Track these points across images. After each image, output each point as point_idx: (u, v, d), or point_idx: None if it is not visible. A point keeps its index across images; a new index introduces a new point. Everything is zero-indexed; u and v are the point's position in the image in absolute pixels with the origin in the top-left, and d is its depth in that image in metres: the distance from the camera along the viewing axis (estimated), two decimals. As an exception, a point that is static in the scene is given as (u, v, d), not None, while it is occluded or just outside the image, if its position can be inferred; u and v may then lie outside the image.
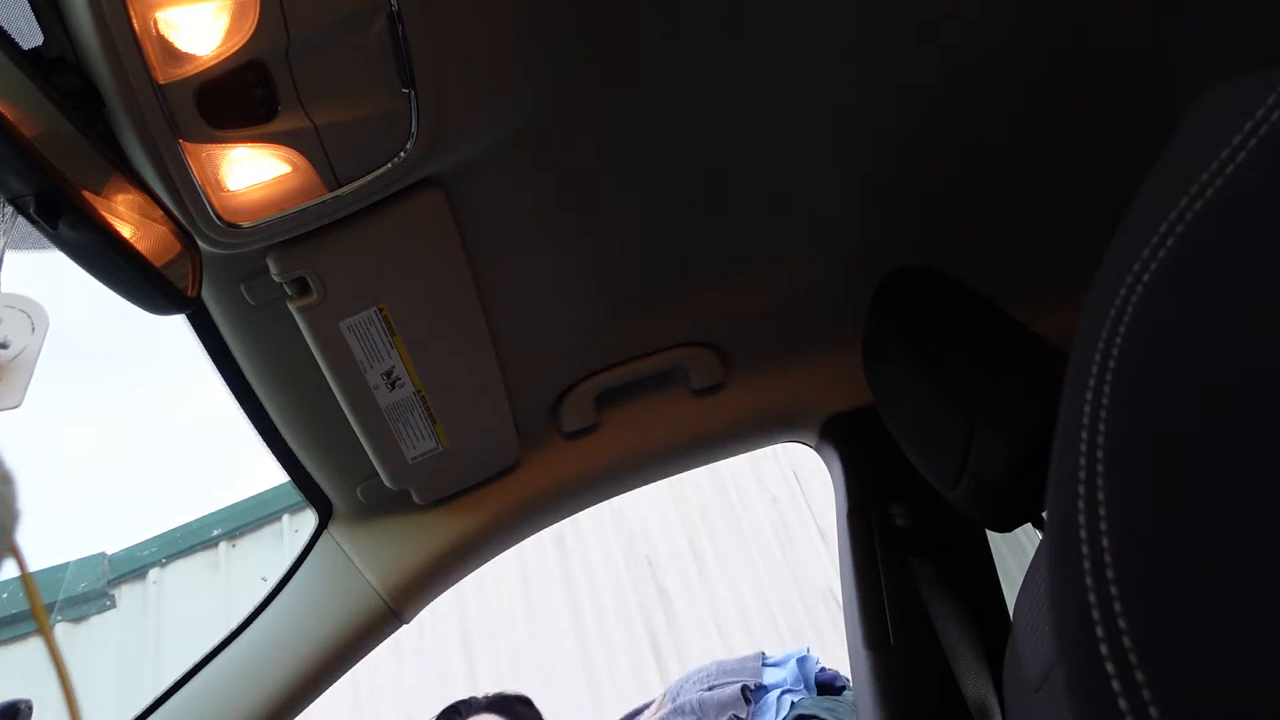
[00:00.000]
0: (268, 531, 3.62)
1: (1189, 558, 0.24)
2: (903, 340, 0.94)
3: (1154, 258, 0.30)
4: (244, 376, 0.90)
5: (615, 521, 3.83)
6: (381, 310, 0.84)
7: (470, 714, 1.91)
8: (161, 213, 0.60)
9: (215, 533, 3.58)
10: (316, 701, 1.08)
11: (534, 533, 1.19)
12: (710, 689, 1.96)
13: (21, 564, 0.39)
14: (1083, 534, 0.27)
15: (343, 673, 1.09)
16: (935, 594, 1.04)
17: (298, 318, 0.81)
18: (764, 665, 2.05)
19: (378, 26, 0.60)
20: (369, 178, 0.69)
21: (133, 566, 3.48)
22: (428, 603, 1.14)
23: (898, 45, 0.81)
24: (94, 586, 3.37)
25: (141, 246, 0.57)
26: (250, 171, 0.66)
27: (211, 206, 0.65)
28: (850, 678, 1.13)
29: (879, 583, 1.08)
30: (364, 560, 1.10)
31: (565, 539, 3.77)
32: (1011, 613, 0.84)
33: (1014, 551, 1.94)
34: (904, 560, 1.08)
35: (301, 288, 0.79)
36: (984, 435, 0.79)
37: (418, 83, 0.64)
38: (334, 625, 1.07)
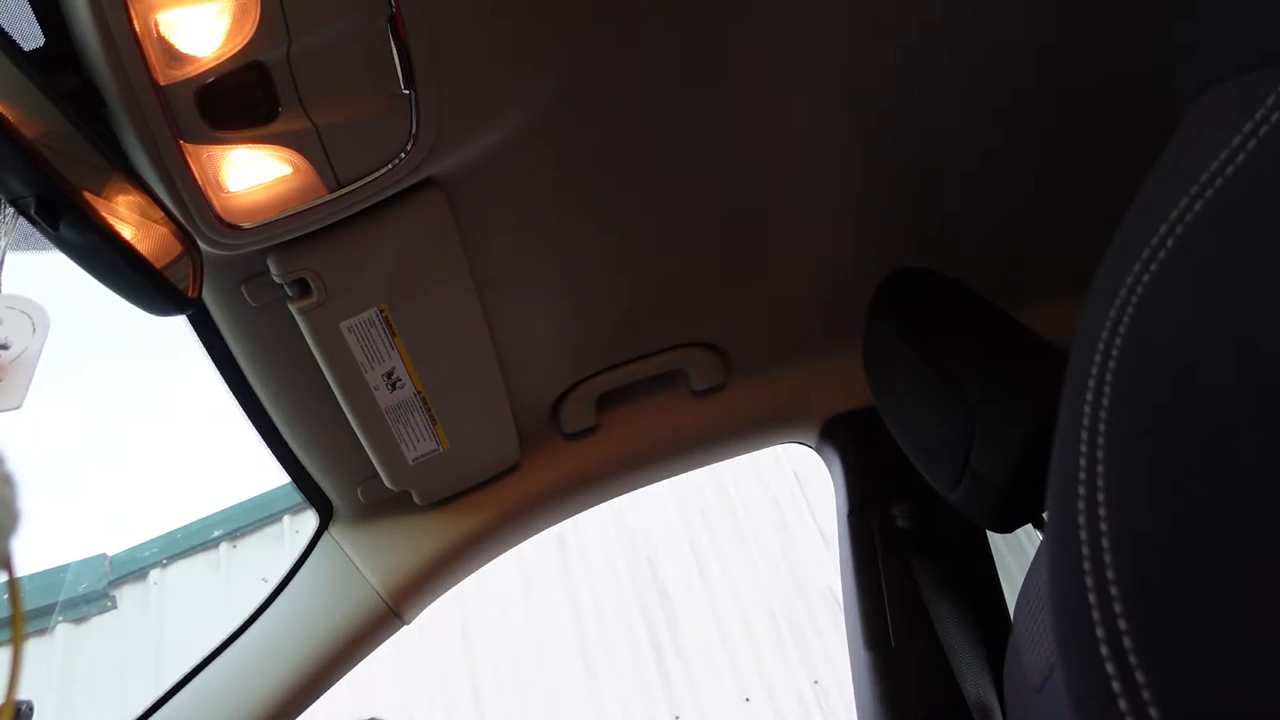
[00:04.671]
0: (268, 532, 3.62)
1: (1189, 558, 0.24)
2: (903, 341, 0.94)
3: (1154, 258, 0.30)
4: (244, 377, 0.90)
5: (616, 522, 3.83)
6: (382, 311, 0.84)
7: None
8: (162, 214, 0.61)
9: (216, 533, 3.58)
10: (317, 702, 1.08)
11: (535, 534, 1.19)
12: None
13: (11, 570, 0.39)
14: (1083, 534, 0.27)
15: (343, 673, 1.09)
16: (936, 594, 1.04)
17: (298, 319, 0.81)
18: None
19: (378, 27, 0.60)
20: (370, 179, 0.69)
21: (133, 567, 3.48)
22: (428, 603, 1.14)
23: (898, 47, 0.81)
24: (95, 587, 3.37)
25: (142, 247, 0.57)
26: (251, 172, 0.66)
27: (212, 207, 0.65)
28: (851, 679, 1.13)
29: (879, 583, 1.08)
30: (364, 561, 1.10)
31: (565, 539, 3.77)
32: (1012, 613, 0.84)
33: (1014, 551, 1.94)
34: (904, 561, 1.08)
35: (302, 289, 0.79)
36: (984, 436, 0.79)
37: (418, 84, 0.64)
38: (334, 626, 1.07)
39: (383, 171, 0.69)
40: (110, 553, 3.50)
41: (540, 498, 1.16)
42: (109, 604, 3.40)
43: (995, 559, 1.11)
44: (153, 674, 3.19)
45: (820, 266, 1.05)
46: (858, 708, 1.07)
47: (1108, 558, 0.26)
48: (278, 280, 0.78)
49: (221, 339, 0.85)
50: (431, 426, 0.98)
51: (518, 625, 3.58)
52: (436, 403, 0.95)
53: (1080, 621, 0.26)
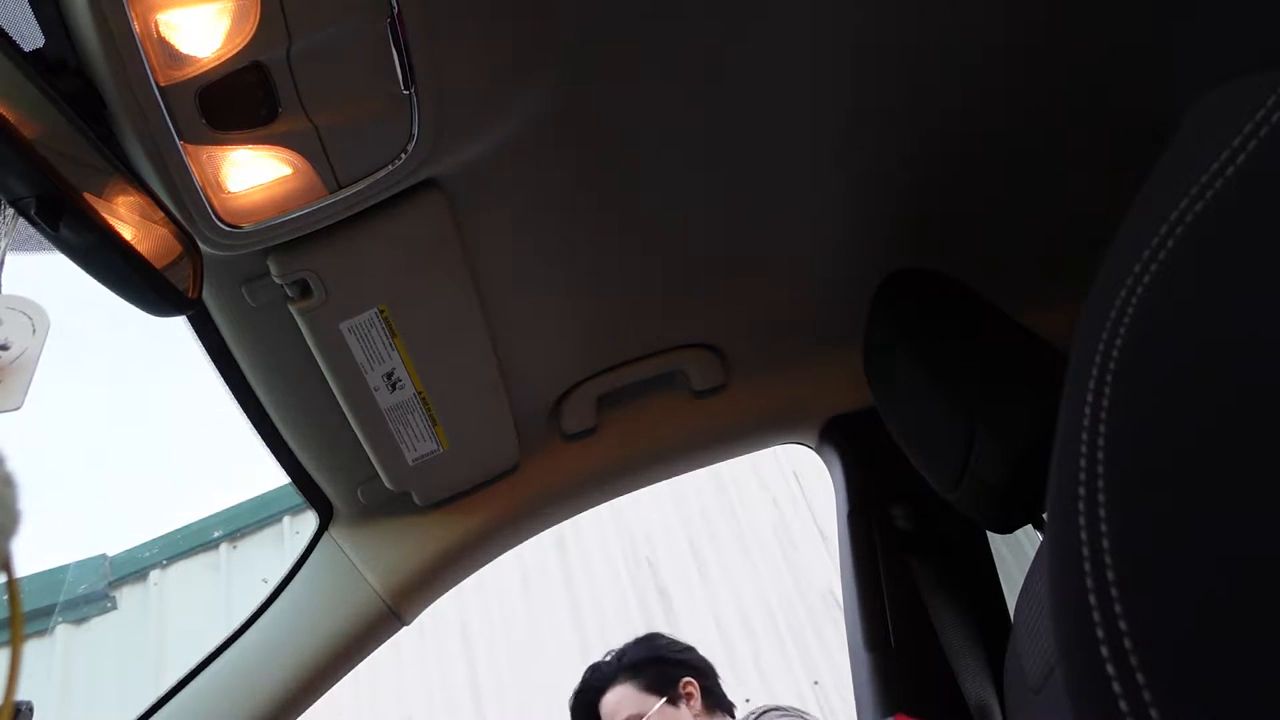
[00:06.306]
0: (268, 533, 3.62)
1: (1189, 558, 0.24)
2: (903, 342, 0.94)
3: (1154, 259, 0.30)
4: (245, 378, 0.90)
5: (616, 522, 3.83)
6: (382, 312, 0.84)
7: (606, 683, 1.88)
8: (162, 214, 0.61)
9: (216, 534, 3.58)
10: (317, 702, 1.08)
11: (535, 534, 1.19)
12: None
13: (10, 571, 0.39)
14: (1083, 535, 0.27)
15: (343, 674, 1.09)
16: (936, 595, 1.04)
17: (299, 319, 0.81)
18: None
19: (378, 28, 0.60)
20: (370, 179, 0.69)
21: (134, 568, 3.49)
22: (428, 604, 1.14)
23: (899, 47, 0.81)
24: (95, 588, 3.37)
25: (142, 248, 0.57)
26: (251, 173, 0.66)
27: (212, 208, 0.65)
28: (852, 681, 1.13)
29: (879, 584, 1.08)
30: (364, 561, 1.10)
31: (565, 539, 3.77)
32: (1012, 613, 0.84)
33: (1014, 552, 1.94)
34: (904, 561, 1.08)
35: (303, 289, 0.79)
36: (985, 436, 0.79)
37: (418, 84, 0.64)
38: (335, 627, 1.07)
39: (383, 172, 0.69)
40: (110, 553, 3.50)
41: (540, 498, 1.15)
42: (109, 604, 3.40)
43: (995, 559, 1.11)
44: (153, 674, 3.19)
45: (820, 267, 1.05)
46: (858, 708, 1.07)
47: (1108, 558, 0.26)
48: (278, 281, 0.78)
49: (221, 340, 0.85)
50: (431, 427, 0.98)
51: (518, 625, 3.58)
52: (436, 403, 0.95)
53: (1080, 621, 0.26)
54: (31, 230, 0.53)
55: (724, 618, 3.57)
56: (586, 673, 1.95)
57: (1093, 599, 0.26)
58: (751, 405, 1.18)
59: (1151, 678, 0.23)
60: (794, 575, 3.66)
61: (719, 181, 0.90)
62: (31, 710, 0.78)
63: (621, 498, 1.22)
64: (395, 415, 0.94)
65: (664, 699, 1.85)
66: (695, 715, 1.87)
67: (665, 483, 1.25)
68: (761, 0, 0.74)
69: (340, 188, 0.69)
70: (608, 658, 1.95)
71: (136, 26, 0.55)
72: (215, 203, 0.65)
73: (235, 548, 3.58)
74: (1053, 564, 0.29)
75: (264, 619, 1.08)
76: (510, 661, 3.50)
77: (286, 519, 3.60)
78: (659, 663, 1.90)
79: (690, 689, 1.87)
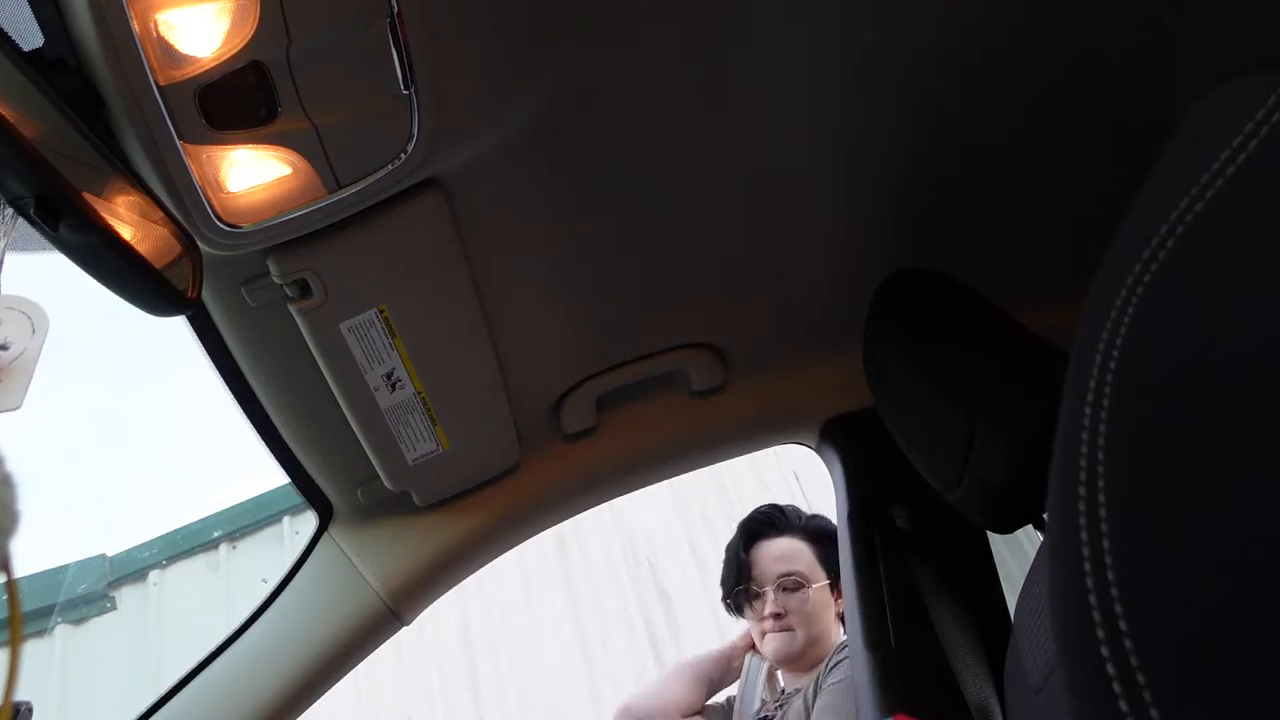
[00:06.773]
0: (268, 533, 3.62)
1: (1189, 558, 0.24)
2: (903, 341, 0.94)
3: (1154, 259, 0.30)
4: (244, 378, 0.90)
5: (616, 523, 3.83)
6: (382, 312, 0.84)
7: (785, 530, 1.87)
8: (162, 214, 0.61)
9: (216, 534, 3.58)
10: (317, 702, 1.08)
11: (534, 534, 1.19)
12: None
13: (9, 571, 0.39)
14: (1083, 535, 0.27)
15: (343, 674, 1.09)
16: (936, 595, 1.04)
17: (298, 319, 0.81)
18: None
19: (378, 28, 0.60)
20: (369, 179, 0.69)
21: (133, 568, 3.48)
22: (428, 604, 1.14)
23: (897, 47, 0.81)
24: (94, 588, 3.37)
25: (142, 248, 0.57)
26: (251, 173, 0.66)
27: (212, 208, 0.65)
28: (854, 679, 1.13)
29: (880, 583, 1.08)
30: (364, 561, 1.10)
31: (565, 539, 3.77)
32: (1012, 613, 0.84)
33: (1014, 552, 1.94)
34: (905, 561, 1.08)
35: (302, 289, 0.79)
36: (985, 436, 0.79)
37: (418, 84, 0.64)
38: (334, 626, 1.07)
39: (383, 172, 0.69)
40: (110, 553, 3.50)
41: (540, 498, 1.16)
42: (109, 605, 3.39)
43: (995, 559, 1.11)
44: (153, 675, 3.19)
45: (820, 267, 1.05)
46: (858, 708, 1.07)
47: (1108, 558, 0.26)
48: (278, 281, 0.78)
49: (221, 340, 0.86)
50: (431, 427, 0.98)
51: (518, 625, 3.58)
52: (436, 403, 0.95)
53: (1081, 622, 0.26)
54: (31, 230, 0.53)
55: (724, 617, 3.56)
56: (772, 507, 1.93)
57: (1093, 599, 0.26)
58: (751, 405, 1.18)
59: (1152, 678, 0.23)
60: (794, 575, 3.65)
61: (719, 182, 0.90)
62: (31, 711, 0.78)
63: (621, 498, 1.23)
64: (395, 415, 0.94)
65: (829, 581, 1.82)
66: (837, 615, 1.85)
67: (665, 483, 1.25)
68: (761, 3, 0.74)
69: (340, 187, 0.69)
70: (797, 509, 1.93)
71: (136, 26, 0.55)
72: (215, 202, 0.65)
73: (235, 548, 3.58)
74: (1053, 564, 0.29)
75: (264, 619, 1.08)
76: (510, 661, 3.50)
77: (286, 519, 3.60)
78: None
79: None
